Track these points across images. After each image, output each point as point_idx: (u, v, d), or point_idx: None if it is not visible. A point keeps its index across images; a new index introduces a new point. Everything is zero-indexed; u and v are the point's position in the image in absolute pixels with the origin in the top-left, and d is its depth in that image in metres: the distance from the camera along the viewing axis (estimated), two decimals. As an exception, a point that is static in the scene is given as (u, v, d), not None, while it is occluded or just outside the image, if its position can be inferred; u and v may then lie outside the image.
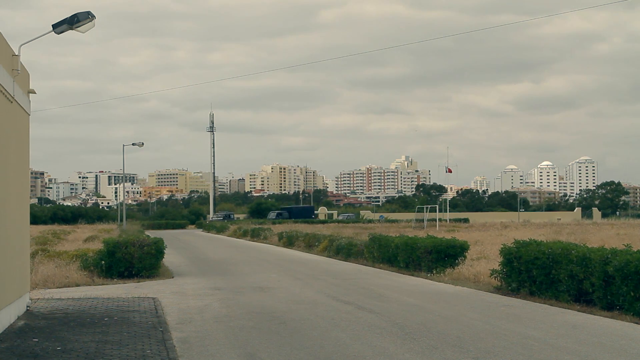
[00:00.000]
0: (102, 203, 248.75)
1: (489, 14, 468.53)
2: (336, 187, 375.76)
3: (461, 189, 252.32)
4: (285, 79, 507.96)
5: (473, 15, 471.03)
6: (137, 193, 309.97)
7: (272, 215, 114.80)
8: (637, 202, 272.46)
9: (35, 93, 17.55)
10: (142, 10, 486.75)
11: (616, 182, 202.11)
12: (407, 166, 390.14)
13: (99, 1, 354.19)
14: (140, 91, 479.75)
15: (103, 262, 25.32)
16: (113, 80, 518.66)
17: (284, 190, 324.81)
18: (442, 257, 25.46)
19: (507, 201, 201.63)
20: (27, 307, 17.00)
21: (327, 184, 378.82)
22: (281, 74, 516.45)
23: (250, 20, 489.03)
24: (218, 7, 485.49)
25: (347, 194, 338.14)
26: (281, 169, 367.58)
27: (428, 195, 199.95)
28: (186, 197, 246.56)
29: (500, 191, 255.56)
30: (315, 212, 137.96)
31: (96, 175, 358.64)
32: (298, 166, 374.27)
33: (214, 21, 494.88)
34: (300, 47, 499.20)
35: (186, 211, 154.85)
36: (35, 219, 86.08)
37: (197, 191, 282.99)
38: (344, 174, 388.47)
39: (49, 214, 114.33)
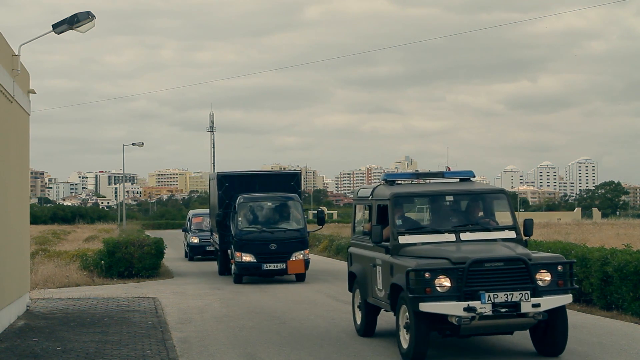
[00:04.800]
0: (102, 203, 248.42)
1: (478, 12, 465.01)
2: (336, 187, 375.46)
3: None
4: (275, 78, 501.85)
5: (459, 12, 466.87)
6: (137, 193, 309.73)
7: None
8: (637, 202, 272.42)
9: (35, 93, 17.58)
10: (124, 8, 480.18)
11: (616, 182, 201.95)
12: (408, 166, 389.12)
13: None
14: (128, 90, 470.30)
15: (103, 262, 25.34)
16: (99, 79, 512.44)
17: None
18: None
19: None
20: (27, 307, 17.01)
21: (327, 184, 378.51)
22: (271, 73, 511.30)
23: (235, 17, 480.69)
24: (199, 4, 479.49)
25: (347, 194, 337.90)
26: (281, 168, 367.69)
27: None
28: (186, 197, 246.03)
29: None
30: None
31: (96, 175, 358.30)
32: (298, 166, 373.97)
33: (197, 19, 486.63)
34: (289, 45, 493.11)
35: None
36: (35, 219, 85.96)
37: (197, 191, 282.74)
38: (344, 174, 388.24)
39: (49, 214, 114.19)
